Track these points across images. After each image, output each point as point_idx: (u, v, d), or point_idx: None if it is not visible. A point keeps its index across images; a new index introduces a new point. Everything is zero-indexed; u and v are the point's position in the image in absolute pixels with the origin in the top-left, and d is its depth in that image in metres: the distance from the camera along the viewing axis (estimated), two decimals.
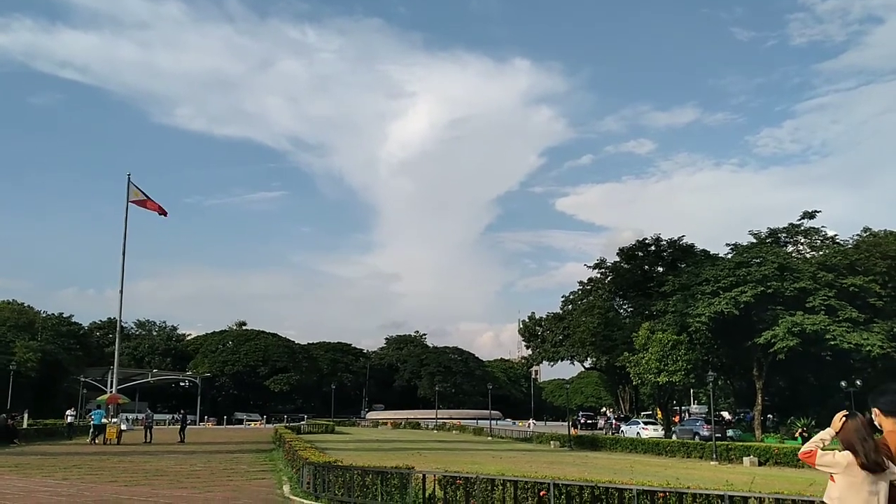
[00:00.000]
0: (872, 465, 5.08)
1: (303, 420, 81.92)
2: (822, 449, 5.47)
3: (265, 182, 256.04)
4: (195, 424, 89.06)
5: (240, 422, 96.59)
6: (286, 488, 18.96)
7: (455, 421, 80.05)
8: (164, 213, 51.46)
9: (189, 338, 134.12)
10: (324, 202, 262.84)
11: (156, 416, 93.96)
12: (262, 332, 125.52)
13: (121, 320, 56.46)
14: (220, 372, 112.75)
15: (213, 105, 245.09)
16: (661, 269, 73.09)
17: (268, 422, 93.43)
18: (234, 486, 19.44)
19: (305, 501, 16.94)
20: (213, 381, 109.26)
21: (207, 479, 21.23)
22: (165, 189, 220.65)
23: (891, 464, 5.14)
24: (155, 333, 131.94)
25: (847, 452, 5.25)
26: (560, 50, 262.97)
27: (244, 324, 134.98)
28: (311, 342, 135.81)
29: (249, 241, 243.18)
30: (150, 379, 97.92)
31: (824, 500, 5.39)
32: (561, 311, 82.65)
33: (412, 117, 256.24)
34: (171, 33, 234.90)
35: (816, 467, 5.42)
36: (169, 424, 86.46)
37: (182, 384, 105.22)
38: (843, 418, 5.47)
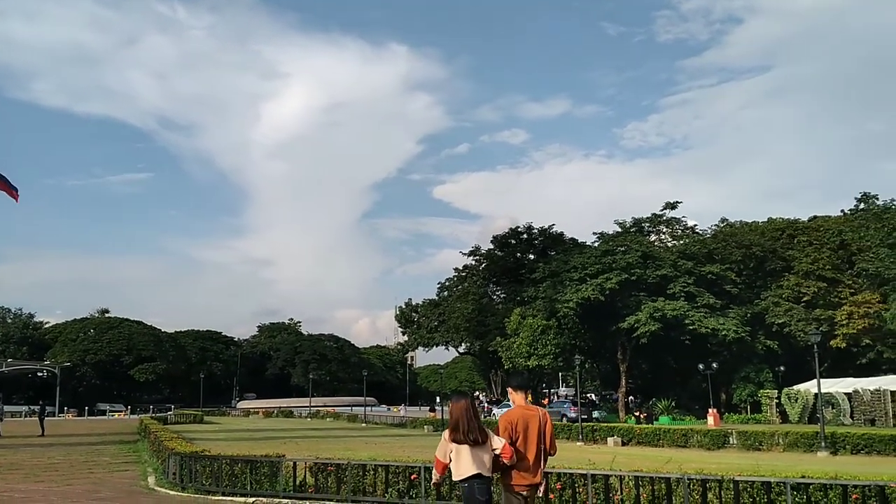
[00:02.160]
0: (470, 440, 6.62)
1: (170, 410, 79.48)
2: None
3: (131, 163, 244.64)
4: (55, 416, 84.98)
5: (103, 413, 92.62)
6: (151, 479, 18.42)
7: (329, 408, 79.55)
8: (15, 197, 48.57)
9: (47, 326, 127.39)
10: (193, 185, 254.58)
11: (9, 409, 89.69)
12: (127, 319, 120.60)
13: None
14: (82, 361, 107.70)
15: (74, 80, 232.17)
16: (532, 256, 75.02)
17: (133, 412, 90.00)
18: (95, 479, 18.71)
19: (171, 492, 16.52)
20: (73, 371, 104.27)
21: (67, 472, 20.34)
22: (22, 168, 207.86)
23: (494, 438, 6.70)
24: (10, 321, 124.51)
25: (448, 431, 6.80)
26: (438, 37, 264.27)
27: (107, 311, 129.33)
28: (178, 330, 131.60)
29: (113, 225, 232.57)
30: (3, 369, 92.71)
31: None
32: (437, 298, 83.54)
33: (287, 99, 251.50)
34: (29, 3, 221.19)
35: (437, 457, 6.87)
36: (25, 416, 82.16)
37: (40, 374, 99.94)
38: (456, 396, 7.06)
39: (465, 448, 6.65)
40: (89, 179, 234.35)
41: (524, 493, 6.85)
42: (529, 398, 7.50)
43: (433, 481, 7.31)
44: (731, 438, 35.35)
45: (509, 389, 7.38)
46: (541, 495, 7.22)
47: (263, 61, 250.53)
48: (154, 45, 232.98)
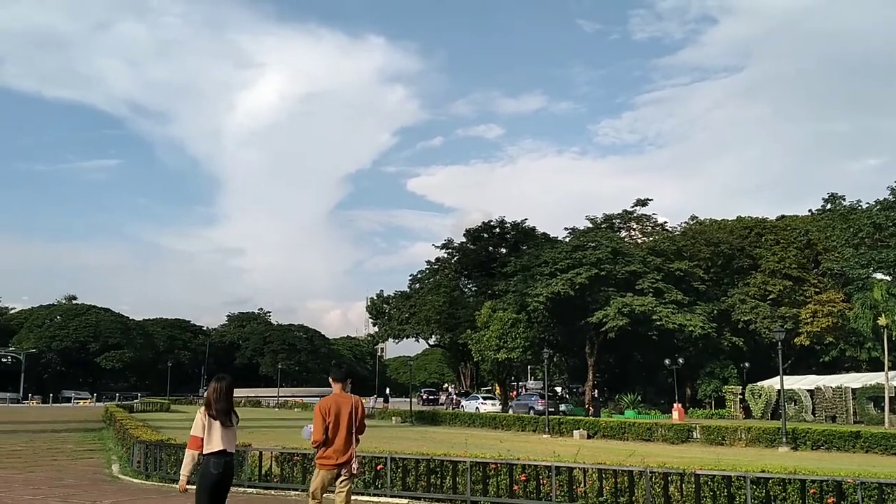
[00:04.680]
0: (222, 418, 7.27)
1: (136, 398, 78.83)
2: None
3: (101, 149, 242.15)
4: (18, 403, 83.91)
5: (68, 400, 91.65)
6: (115, 467, 18.33)
7: (298, 399, 79.36)
8: None
9: (12, 311, 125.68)
10: (164, 172, 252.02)
11: None
12: (94, 306, 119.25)
13: None
14: (47, 348, 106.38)
15: (44, 64, 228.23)
16: (504, 250, 75.25)
17: (98, 400, 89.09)
18: (58, 466, 18.57)
19: (135, 480, 16.45)
20: (39, 358, 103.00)
21: (29, 459, 20.16)
22: None
23: (236, 419, 7.50)
24: None
25: (203, 407, 7.44)
26: (415, 30, 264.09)
27: (74, 298, 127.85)
28: (147, 318, 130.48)
29: (82, 211, 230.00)
30: None
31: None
32: (408, 290, 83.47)
33: (262, 88, 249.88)
34: None
35: (193, 434, 7.33)
36: None
37: (4, 360, 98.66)
38: (216, 378, 7.65)
39: (217, 424, 7.26)
40: (59, 165, 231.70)
41: (334, 470, 7.87)
42: (348, 388, 8.41)
43: (187, 462, 7.36)
44: (694, 433, 35.77)
45: (330, 379, 8.39)
46: (355, 472, 8.08)
47: (238, 50, 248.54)
48: (127, 31, 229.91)
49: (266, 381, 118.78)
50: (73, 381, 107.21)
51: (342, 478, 7.97)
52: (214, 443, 7.21)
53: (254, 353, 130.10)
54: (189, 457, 7.36)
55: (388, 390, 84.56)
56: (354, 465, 7.94)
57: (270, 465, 15.31)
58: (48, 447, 24.42)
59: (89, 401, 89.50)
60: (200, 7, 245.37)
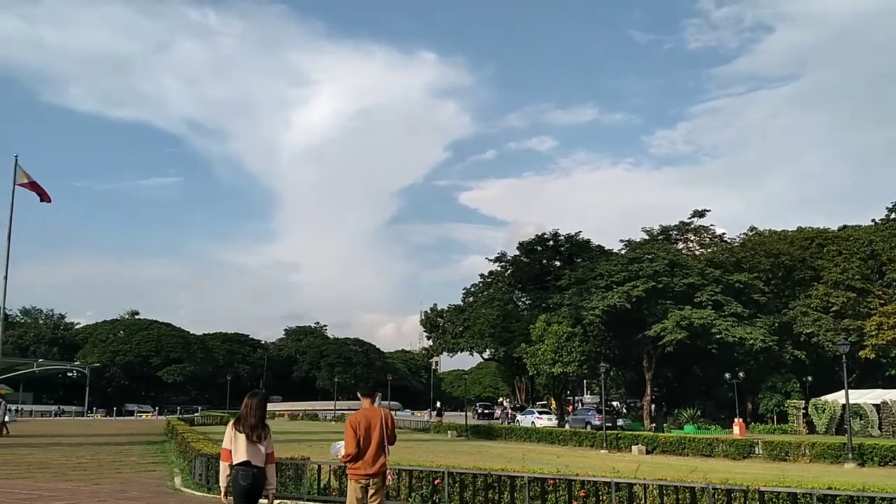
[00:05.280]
0: (249, 432, 7.62)
1: (197, 412, 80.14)
2: None
3: (160, 167, 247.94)
4: (83, 416, 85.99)
5: (131, 413, 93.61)
6: (177, 480, 18.62)
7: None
8: (48, 200, 49.27)
9: (78, 326, 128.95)
10: (222, 189, 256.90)
11: (38, 408, 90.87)
12: (156, 321, 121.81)
13: (4, 307, 53.75)
14: (111, 362, 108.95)
15: (106, 85, 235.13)
16: (558, 263, 74.83)
17: (160, 413, 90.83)
18: (122, 479, 18.94)
19: (197, 493, 16.70)
20: (103, 372, 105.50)
21: (94, 472, 20.61)
22: (54, 172, 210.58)
23: (269, 439, 7.80)
24: (42, 322, 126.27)
25: (233, 421, 7.86)
26: (466, 45, 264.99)
27: (137, 313, 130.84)
28: (206, 332, 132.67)
29: (143, 228, 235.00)
30: (35, 369, 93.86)
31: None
32: (462, 303, 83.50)
33: (316, 106, 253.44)
34: (63, 9, 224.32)
35: (223, 446, 7.75)
36: (54, 416, 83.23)
37: (70, 374, 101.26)
38: (250, 395, 8.06)
39: (242, 437, 7.62)
40: (120, 183, 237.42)
41: (363, 481, 8.14)
42: (376, 402, 8.67)
43: (222, 473, 7.83)
44: (756, 448, 34.98)
45: (359, 394, 8.69)
46: (389, 483, 8.49)
47: (293, 68, 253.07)
48: (185, 51, 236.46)
49: (323, 394, 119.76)
50: (135, 395, 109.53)
51: (372, 490, 8.24)
52: (239, 454, 7.60)
53: (311, 366, 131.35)
54: (222, 468, 7.83)
55: (438, 404, 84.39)
56: (388, 477, 8.32)
57: (329, 479, 15.40)
58: (112, 460, 24.93)
59: (151, 414, 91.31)
60: (256, 26, 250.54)
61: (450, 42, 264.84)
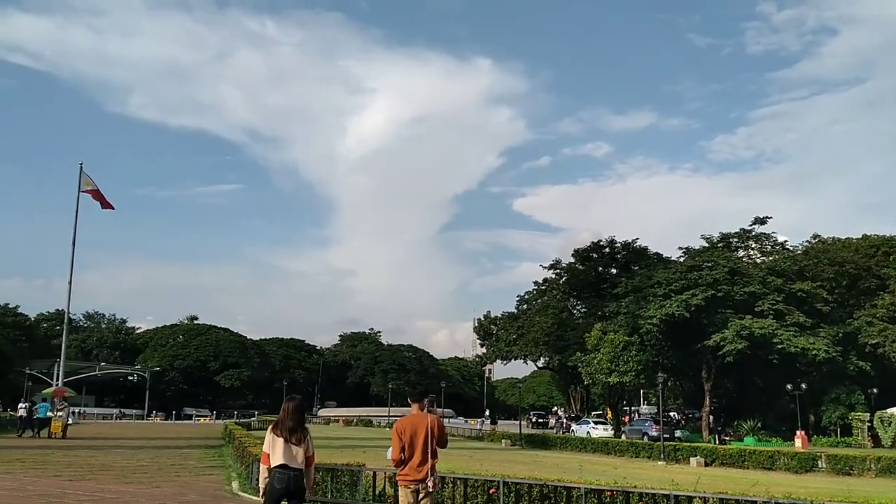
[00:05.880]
0: (287, 435, 7.76)
1: (253, 416, 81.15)
2: None
3: (220, 174, 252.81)
4: (143, 419, 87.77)
5: (189, 417, 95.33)
6: (235, 484, 18.78)
7: None
8: (111, 207, 50.53)
9: (139, 331, 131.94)
10: (279, 196, 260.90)
11: (100, 411, 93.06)
12: (214, 326, 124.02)
13: (69, 312, 55.29)
14: (170, 366, 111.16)
15: (167, 95, 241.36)
16: (614, 270, 73.99)
17: (217, 417, 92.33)
18: (182, 482, 19.19)
19: (254, 498, 16.79)
20: (162, 376, 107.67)
21: (155, 475, 20.93)
22: (117, 179, 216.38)
23: (308, 441, 7.92)
24: (104, 326, 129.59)
25: (272, 425, 8.00)
26: (521, 50, 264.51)
27: (196, 318, 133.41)
28: (263, 337, 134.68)
29: (202, 235, 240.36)
30: (97, 372, 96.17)
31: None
32: (516, 311, 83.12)
33: (372, 113, 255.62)
34: (126, 20, 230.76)
35: (264, 450, 7.89)
36: (115, 419, 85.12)
37: (130, 378, 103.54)
38: (288, 399, 8.22)
39: (280, 441, 7.76)
40: (180, 190, 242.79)
41: (411, 486, 8.22)
42: (425, 408, 8.66)
43: (261, 476, 8.03)
44: (819, 462, 34.07)
45: (409, 400, 8.81)
46: (431, 490, 8.27)
47: (350, 76, 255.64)
48: (244, 60, 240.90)
49: (377, 400, 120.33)
50: (194, 399, 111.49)
51: (421, 494, 8.31)
52: (276, 457, 7.75)
53: (365, 372, 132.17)
54: (261, 471, 8.03)
55: (487, 412, 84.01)
56: (430, 483, 8.23)
57: (384, 486, 15.35)
58: (171, 463, 25.31)
59: (209, 418, 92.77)
60: (314, 35, 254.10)
61: (506, 48, 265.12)
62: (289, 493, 7.74)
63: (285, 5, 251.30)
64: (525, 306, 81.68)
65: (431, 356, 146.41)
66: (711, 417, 60.50)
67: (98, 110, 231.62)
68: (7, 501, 14.13)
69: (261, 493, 8.05)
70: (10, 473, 20.00)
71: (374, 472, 15.42)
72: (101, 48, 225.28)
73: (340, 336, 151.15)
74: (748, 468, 34.72)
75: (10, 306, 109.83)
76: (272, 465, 7.75)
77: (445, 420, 74.00)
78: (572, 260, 76.86)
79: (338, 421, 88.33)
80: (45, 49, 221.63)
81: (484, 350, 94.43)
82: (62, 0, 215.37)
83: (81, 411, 77.10)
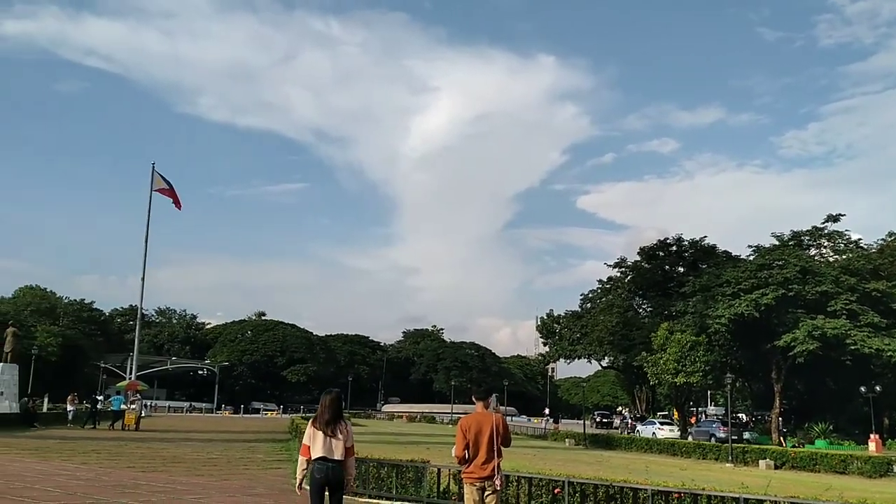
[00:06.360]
0: (324, 428, 7.96)
1: None
2: None
3: (286, 173, 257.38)
4: (213, 413, 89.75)
5: (256, 411, 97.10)
6: None
7: None
8: (178, 206, 51.76)
9: (208, 327, 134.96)
10: (344, 195, 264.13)
11: (174, 404, 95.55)
12: (281, 322, 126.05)
13: (142, 308, 56.89)
14: (239, 361, 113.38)
15: (235, 95, 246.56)
16: (681, 269, 72.81)
17: (284, 412, 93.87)
18: (250, 475, 19.57)
19: None
20: (230, 370, 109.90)
21: (224, 468, 21.39)
22: (188, 178, 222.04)
23: (347, 433, 8.07)
24: (175, 321, 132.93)
25: (312, 418, 8.28)
26: (586, 47, 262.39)
27: (263, 314, 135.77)
28: (328, 334, 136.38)
29: (269, 232, 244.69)
30: (168, 367, 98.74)
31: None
32: (579, 310, 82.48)
33: (435, 112, 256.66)
34: (196, 23, 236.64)
35: (304, 442, 8.13)
36: (186, 412, 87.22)
37: (200, 372, 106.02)
38: (325, 393, 8.40)
39: (319, 434, 7.98)
40: (248, 189, 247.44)
41: (477, 484, 8.21)
42: (490, 406, 8.70)
43: (299, 467, 8.20)
44: (895, 466, 33.00)
45: (473, 398, 8.80)
46: (498, 487, 8.27)
47: (414, 75, 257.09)
48: (310, 61, 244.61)
49: (439, 397, 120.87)
50: (261, 393, 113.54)
51: (487, 492, 8.30)
52: (316, 450, 7.95)
53: (427, 369, 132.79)
54: (300, 462, 8.20)
55: (547, 410, 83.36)
56: (497, 482, 8.22)
57: (448, 483, 15.40)
58: (240, 456, 25.81)
59: (276, 412, 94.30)
60: (378, 35, 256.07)
61: (570, 44, 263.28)
62: (329, 484, 7.96)
63: (350, 6, 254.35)
64: (589, 305, 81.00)
65: (494, 354, 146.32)
66: (781, 419, 59.12)
67: (168, 111, 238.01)
68: (84, 491, 14.60)
69: (297, 485, 8.33)
70: (86, 464, 20.66)
71: (439, 469, 15.48)
72: (172, 50, 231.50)
73: (403, 333, 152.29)
74: (820, 472, 33.84)
75: (86, 302, 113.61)
76: (312, 457, 7.97)
77: (508, 418, 73.59)
78: (638, 258, 75.91)
79: (401, 417, 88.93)
80: (117, 52, 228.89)
81: (547, 349, 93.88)
82: (134, 4, 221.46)
83: (153, 404, 79.18)
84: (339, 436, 8.03)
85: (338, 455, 7.98)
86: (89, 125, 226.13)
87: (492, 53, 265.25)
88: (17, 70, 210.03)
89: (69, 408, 44.17)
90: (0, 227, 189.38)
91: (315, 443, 7.98)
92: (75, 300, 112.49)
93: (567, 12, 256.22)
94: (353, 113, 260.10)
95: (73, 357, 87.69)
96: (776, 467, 35.71)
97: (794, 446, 46.61)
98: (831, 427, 55.73)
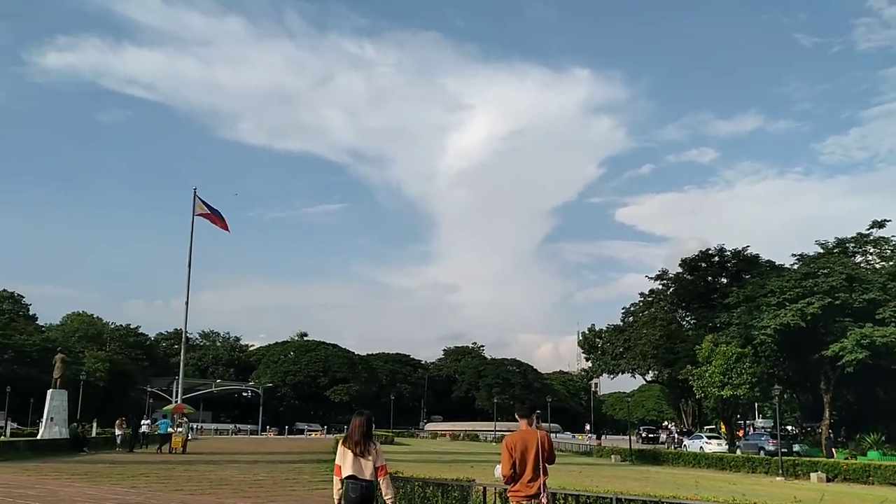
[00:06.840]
0: (353, 448, 8.09)
1: None
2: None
3: (325, 194, 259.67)
4: (257, 434, 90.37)
5: (300, 432, 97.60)
6: None
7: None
8: (226, 229, 52.41)
9: (252, 348, 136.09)
10: (382, 213, 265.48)
11: (221, 427, 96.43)
12: (323, 342, 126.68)
13: (186, 331, 57.51)
14: (282, 382, 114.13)
15: (273, 119, 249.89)
16: (724, 280, 71.81)
17: (328, 432, 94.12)
18: (296, 497, 19.62)
19: None
20: (274, 391, 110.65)
21: (270, 489, 21.48)
22: (228, 202, 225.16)
23: (376, 453, 8.15)
24: (219, 344, 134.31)
25: (343, 438, 8.51)
26: (620, 58, 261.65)
27: (305, 334, 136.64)
28: (370, 353, 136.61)
29: (310, 253, 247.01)
30: (213, 389, 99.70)
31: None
32: (621, 323, 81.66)
33: (470, 129, 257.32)
34: (233, 49, 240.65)
35: (336, 462, 8.23)
36: (231, 434, 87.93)
37: (245, 394, 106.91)
38: (356, 413, 8.51)
39: (349, 453, 8.12)
40: (288, 211, 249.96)
41: (523, 502, 8.13)
42: (534, 424, 8.58)
43: (335, 488, 8.23)
44: None
45: (516, 416, 8.71)
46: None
47: (448, 93, 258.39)
48: (345, 83, 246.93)
49: (482, 414, 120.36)
50: (304, 414, 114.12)
51: None
52: (346, 469, 8.11)
53: (469, 386, 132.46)
54: (335, 483, 8.29)
55: (588, 426, 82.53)
56: (543, 499, 8.15)
57: (495, 501, 15.30)
58: (286, 477, 25.91)
59: (320, 432, 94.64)
60: (411, 54, 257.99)
61: (604, 57, 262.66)
62: (362, 502, 8.09)
63: (383, 27, 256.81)
64: (631, 318, 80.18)
65: (535, 370, 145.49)
66: (831, 431, 57.84)
67: (209, 136, 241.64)
68: None
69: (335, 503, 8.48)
70: (136, 488, 20.91)
71: (485, 488, 15.37)
72: (210, 77, 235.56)
73: (444, 350, 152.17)
74: (873, 484, 33.03)
75: (132, 327, 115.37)
76: (343, 477, 8.12)
77: (552, 435, 73.17)
78: (680, 270, 74.97)
79: (444, 435, 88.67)
80: (158, 80, 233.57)
81: (589, 364, 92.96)
82: (172, 33, 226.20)
83: (199, 427, 79.98)
84: (369, 456, 8.18)
85: (367, 474, 8.13)
86: (134, 152, 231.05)
87: (525, 69, 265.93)
88: (62, 101, 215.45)
89: (118, 432, 44.79)
90: (48, 254, 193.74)
91: (345, 462, 8.16)
92: (121, 325, 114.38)
93: (599, 25, 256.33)
94: (390, 132, 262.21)
95: (121, 382, 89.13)
96: (828, 480, 34.99)
97: (845, 458, 45.57)
98: (883, 438, 54.38)
